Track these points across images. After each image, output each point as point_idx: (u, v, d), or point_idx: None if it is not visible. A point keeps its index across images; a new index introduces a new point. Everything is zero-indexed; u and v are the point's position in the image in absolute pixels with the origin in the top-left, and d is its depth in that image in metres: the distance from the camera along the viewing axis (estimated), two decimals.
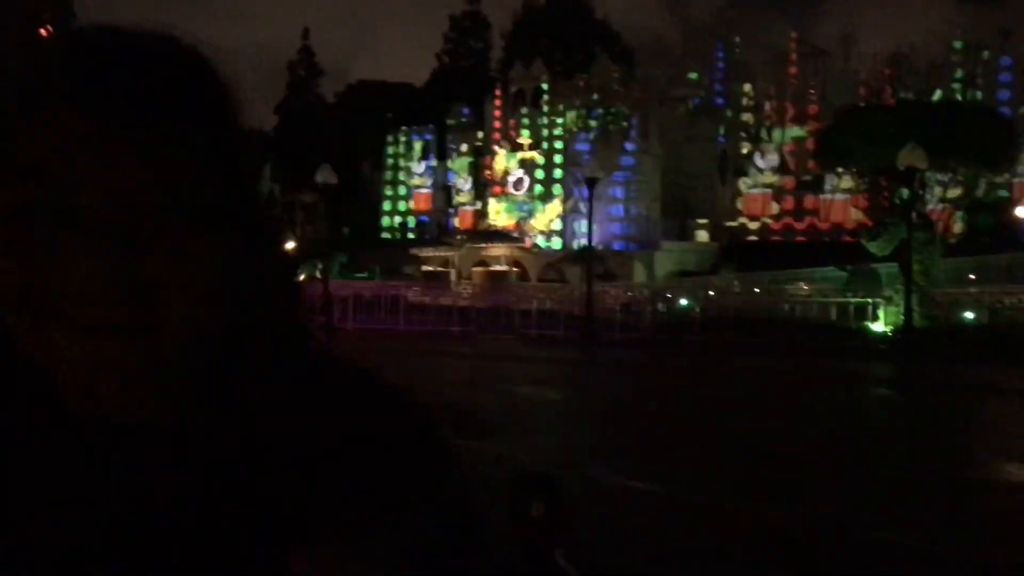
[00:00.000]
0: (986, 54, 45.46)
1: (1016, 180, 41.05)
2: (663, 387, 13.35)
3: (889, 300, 18.02)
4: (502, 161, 47.80)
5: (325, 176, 19.15)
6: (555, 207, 45.45)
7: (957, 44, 45.80)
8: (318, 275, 23.23)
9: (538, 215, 45.96)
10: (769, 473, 7.17)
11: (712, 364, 15.57)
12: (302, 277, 23.06)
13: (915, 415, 11.40)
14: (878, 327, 18.03)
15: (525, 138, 47.02)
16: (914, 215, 16.88)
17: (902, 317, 16.37)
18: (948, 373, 14.20)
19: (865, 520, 5.75)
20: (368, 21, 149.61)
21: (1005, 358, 14.53)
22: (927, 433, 9.87)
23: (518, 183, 46.76)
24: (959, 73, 45.12)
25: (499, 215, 47.53)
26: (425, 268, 43.74)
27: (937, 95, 42.60)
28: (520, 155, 47.15)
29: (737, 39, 51.31)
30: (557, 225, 45.16)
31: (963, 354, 15.08)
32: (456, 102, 55.24)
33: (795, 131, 47.25)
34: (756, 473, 7.12)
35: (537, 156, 46.41)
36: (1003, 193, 39.80)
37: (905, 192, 17.49)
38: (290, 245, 46.38)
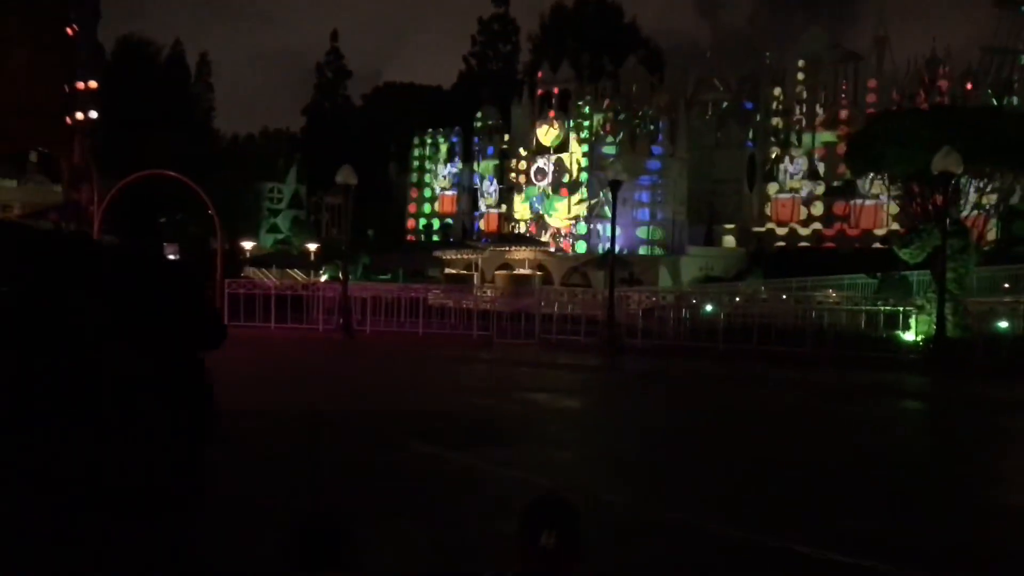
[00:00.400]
0: (1023, 59, 44.46)
1: None
2: (684, 398, 13.00)
3: (921, 309, 17.48)
4: (532, 144, 47.54)
5: (345, 176, 18.98)
6: (576, 205, 45.11)
7: (992, 49, 44.84)
8: (340, 276, 23.15)
9: (554, 211, 45.53)
10: (790, 498, 6.84)
11: (736, 374, 15.19)
12: (324, 278, 23.04)
13: (947, 433, 10.96)
14: (909, 336, 17.49)
15: (550, 139, 46.74)
16: (948, 221, 16.36)
17: (934, 327, 15.86)
18: (982, 387, 13.71)
19: (886, 553, 5.42)
20: (400, 26, 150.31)
21: None
22: (959, 453, 9.44)
23: (539, 173, 46.47)
24: (993, 78, 44.19)
25: (523, 212, 47.31)
26: (448, 271, 43.62)
27: (971, 100, 41.71)
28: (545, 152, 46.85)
29: (768, 43, 50.60)
30: (581, 228, 44.83)
31: (998, 367, 14.57)
32: (483, 105, 55.13)
33: (825, 136, 46.51)
34: (775, 498, 6.79)
35: (565, 157, 46.13)
36: None
37: (939, 198, 17.00)
38: (313, 246, 46.34)
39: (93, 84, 18.97)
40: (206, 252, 27.90)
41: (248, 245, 48.67)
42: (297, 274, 41.02)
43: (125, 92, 55.53)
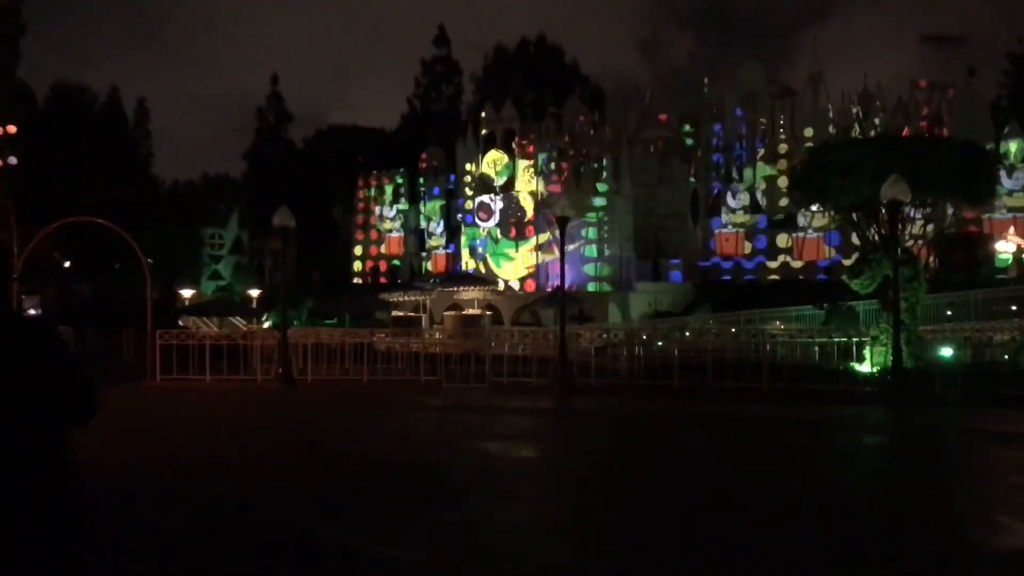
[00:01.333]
0: (951, 92, 45.92)
1: (986, 216, 41.18)
2: (643, 441, 12.46)
3: (876, 340, 17.31)
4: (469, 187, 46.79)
5: (283, 219, 18.23)
6: (530, 252, 44.71)
7: (922, 82, 46.29)
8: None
9: (505, 258, 44.86)
10: (772, 552, 6.29)
11: (694, 412, 14.73)
12: (267, 325, 21.88)
13: (923, 467, 10.57)
14: (865, 368, 17.29)
15: (498, 167, 46.38)
16: (899, 251, 16.27)
17: (890, 357, 15.65)
18: (945, 417, 13.46)
19: None
20: (343, 69, 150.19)
21: (1004, 401, 13.87)
22: (941, 489, 9.03)
23: (483, 210, 45.59)
24: (925, 110, 45.51)
25: (467, 257, 46.55)
26: (396, 313, 42.69)
27: (904, 132, 42.77)
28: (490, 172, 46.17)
29: (706, 80, 51.51)
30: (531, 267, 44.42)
31: (957, 396, 14.37)
32: (427, 146, 54.85)
33: (766, 170, 47.24)
34: (753, 555, 6.24)
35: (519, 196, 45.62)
36: (973, 228, 39.84)
37: (887, 227, 16.94)
38: (255, 292, 44.77)
39: (12, 129, 17.98)
40: (139, 300, 26.57)
41: (188, 293, 47.10)
42: (239, 321, 39.70)
43: (58, 138, 53.92)
